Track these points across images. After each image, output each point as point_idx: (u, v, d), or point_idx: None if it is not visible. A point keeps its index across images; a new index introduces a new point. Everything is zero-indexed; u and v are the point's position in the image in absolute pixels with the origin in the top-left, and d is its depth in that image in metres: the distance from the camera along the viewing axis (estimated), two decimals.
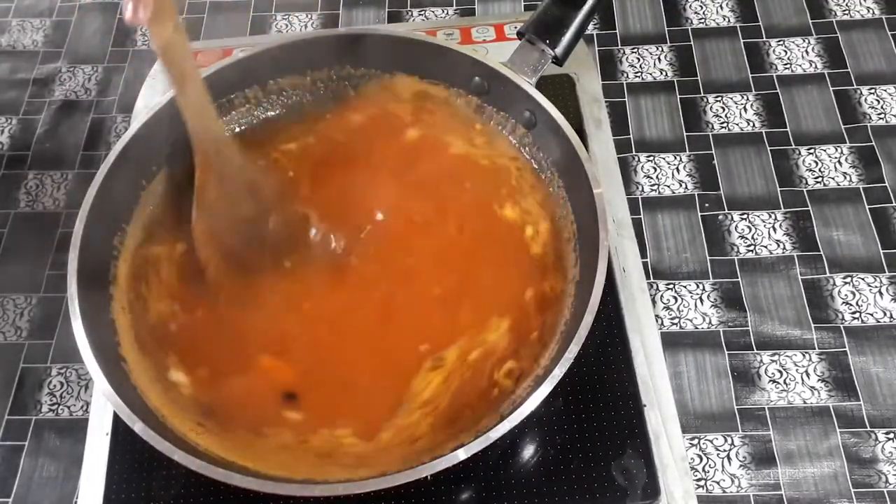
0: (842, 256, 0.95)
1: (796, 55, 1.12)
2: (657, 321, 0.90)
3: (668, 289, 0.94)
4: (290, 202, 0.63)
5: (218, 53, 0.80)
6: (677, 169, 1.03)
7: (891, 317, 0.91)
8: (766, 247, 0.97)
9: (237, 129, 0.69)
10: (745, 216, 0.99)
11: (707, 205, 1.00)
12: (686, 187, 1.02)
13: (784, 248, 0.96)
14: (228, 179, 0.60)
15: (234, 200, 0.60)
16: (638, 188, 1.02)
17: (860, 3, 1.17)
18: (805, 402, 0.87)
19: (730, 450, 0.84)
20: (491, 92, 0.67)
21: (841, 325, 0.91)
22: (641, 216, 0.99)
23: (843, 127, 1.05)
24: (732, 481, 0.83)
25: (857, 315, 0.91)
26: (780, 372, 0.88)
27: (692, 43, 1.15)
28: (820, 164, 1.02)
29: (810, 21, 1.16)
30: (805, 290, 0.93)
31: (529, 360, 0.57)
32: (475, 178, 0.66)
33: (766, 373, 0.88)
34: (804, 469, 0.83)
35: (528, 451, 0.60)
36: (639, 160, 1.04)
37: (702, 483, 0.82)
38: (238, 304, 0.60)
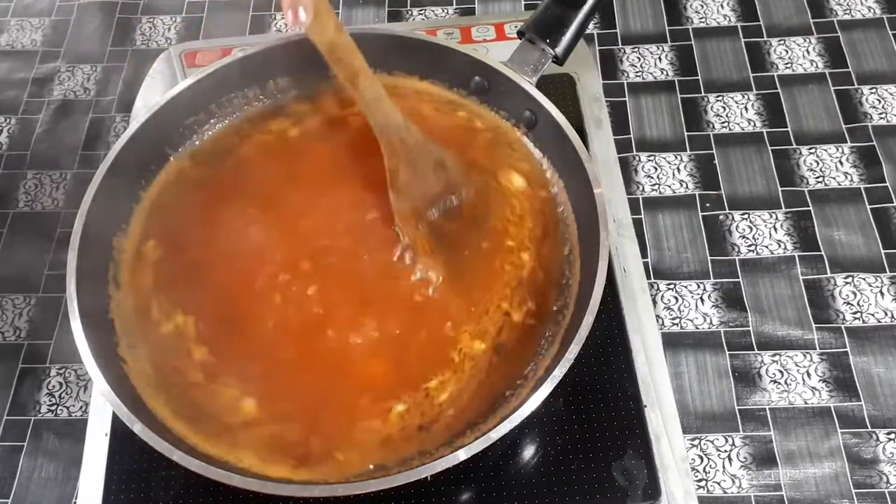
0: (843, 256, 0.95)
1: (797, 55, 1.12)
2: (658, 321, 0.89)
3: (669, 289, 0.94)
4: (477, 173, 0.64)
5: (217, 53, 0.80)
6: (678, 169, 1.03)
7: (892, 317, 0.91)
8: (766, 247, 0.97)
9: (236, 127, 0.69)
10: (745, 216, 0.99)
11: (708, 204, 1.00)
12: (687, 187, 1.02)
13: (785, 248, 0.96)
14: (415, 161, 0.61)
15: (426, 180, 0.61)
16: (638, 188, 1.02)
17: (861, 3, 1.16)
18: (806, 403, 0.86)
19: (731, 450, 0.84)
20: (491, 91, 0.67)
21: (842, 326, 0.91)
22: (642, 216, 0.99)
23: (843, 126, 1.05)
24: (733, 482, 0.82)
25: (858, 315, 0.91)
26: (781, 372, 0.88)
27: (693, 42, 1.15)
28: (821, 164, 1.02)
29: (811, 20, 1.16)
30: (806, 291, 0.93)
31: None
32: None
33: (767, 373, 0.88)
34: (805, 469, 0.83)
35: (529, 452, 0.60)
36: (639, 160, 1.04)
37: (702, 483, 0.82)
38: None
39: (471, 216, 0.63)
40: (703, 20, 1.17)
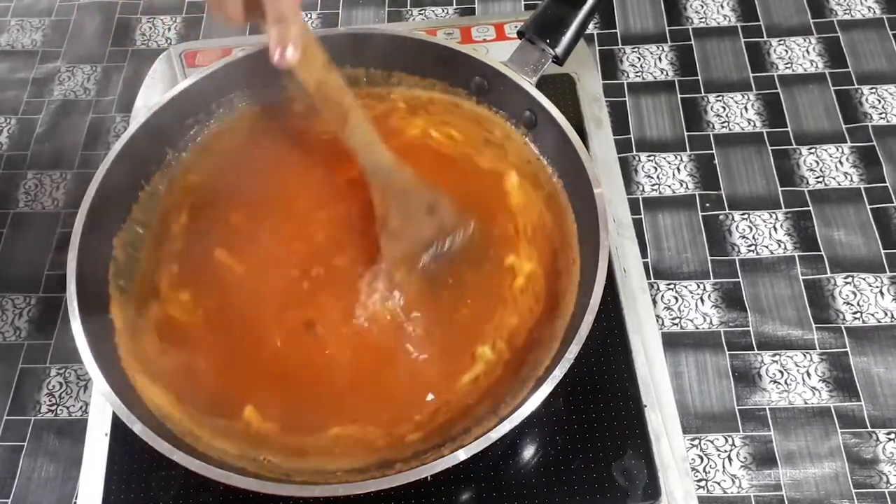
0: (843, 256, 0.95)
1: (797, 55, 1.12)
2: (658, 321, 0.89)
3: (669, 289, 0.94)
4: (469, 218, 0.61)
5: (217, 53, 0.80)
6: (678, 168, 1.03)
7: (892, 317, 0.91)
8: (766, 247, 0.97)
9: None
10: (745, 216, 0.99)
11: (708, 204, 1.00)
12: (687, 187, 1.02)
13: (785, 248, 0.96)
14: (406, 204, 0.59)
15: (417, 223, 0.59)
16: (638, 188, 1.02)
17: (861, 3, 1.17)
18: (806, 403, 0.86)
19: (731, 450, 0.84)
20: (491, 91, 0.67)
21: (842, 326, 0.91)
22: (642, 216, 0.99)
23: (843, 126, 1.05)
24: (733, 482, 0.82)
25: (858, 315, 0.91)
26: (780, 372, 0.88)
27: (693, 42, 1.15)
28: (821, 164, 1.02)
29: (811, 20, 1.16)
30: (806, 291, 0.93)
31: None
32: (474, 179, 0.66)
33: (766, 373, 0.88)
34: (805, 469, 0.83)
35: (529, 452, 0.60)
36: (639, 160, 1.04)
37: (702, 483, 0.82)
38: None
39: (465, 257, 0.60)
40: (703, 20, 1.17)
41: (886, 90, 1.08)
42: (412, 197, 0.59)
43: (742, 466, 0.83)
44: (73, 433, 0.86)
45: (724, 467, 0.83)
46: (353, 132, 0.57)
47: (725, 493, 0.82)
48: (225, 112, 0.68)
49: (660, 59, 1.13)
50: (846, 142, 1.04)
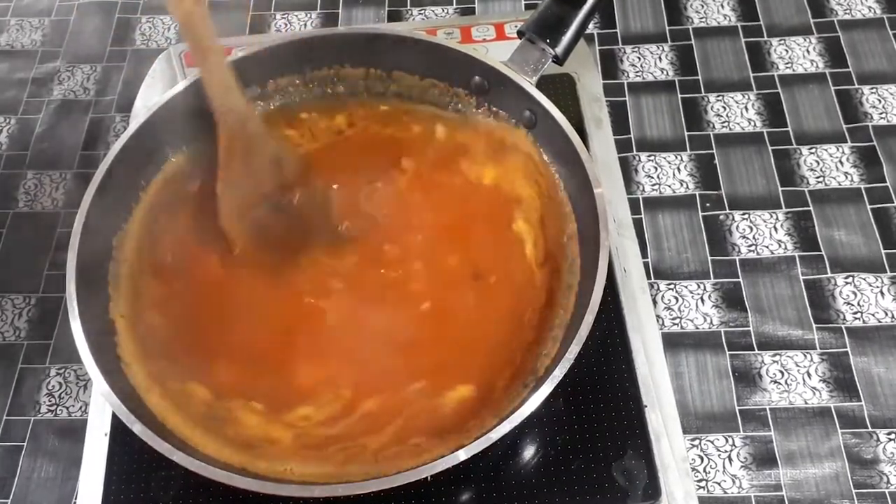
0: (843, 256, 0.95)
1: (797, 54, 1.12)
2: (658, 321, 0.89)
3: (669, 289, 0.94)
4: (316, 177, 0.62)
5: None
6: (678, 168, 1.03)
7: (892, 317, 0.91)
8: (767, 247, 0.96)
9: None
10: (746, 216, 0.99)
11: (708, 204, 1.00)
12: (687, 187, 1.01)
13: (785, 248, 0.96)
14: (252, 153, 0.60)
15: (259, 174, 0.60)
16: (639, 188, 1.02)
17: (861, 3, 1.16)
18: (806, 403, 0.86)
19: (731, 450, 0.84)
20: (491, 91, 0.67)
21: (842, 326, 0.91)
22: (642, 216, 0.99)
23: (844, 126, 1.05)
24: (733, 482, 0.82)
25: (858, 315, 0.91)
26: (781, 372, 0.88)
27: (693, 42, 1.15)
28: (821, 164, 1.02)
29: (811, 20, 1.16)
30: (806, 291, 0.93)
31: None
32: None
33: (767, 373, 0.88)
34: (805, 470, 0.83)
35: (529, 452, 0.60)
36: (639, 160, 1.04)
37: (703, 484, 0.82)
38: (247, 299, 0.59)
39: (298, 223, 0.61)
40: (704, 20, 1.17)
41: (887, 90, 1.08)
42: (258, 145, 0.60)
43: (742, 466, 0.83)
44: (73, 433, 0.86)
45: (724, 467, 0.83)
46: (211, 71, 0.58)
47: (726, 493, 0.82)
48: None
49: (660, 58, 1.13)
50: (846, 142, 1.04)
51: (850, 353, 0.89)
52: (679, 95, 1.09)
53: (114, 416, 0.57)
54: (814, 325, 0.91)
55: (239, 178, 0.59)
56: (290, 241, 0.60)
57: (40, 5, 1.23)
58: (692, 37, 1.15)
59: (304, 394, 0.56)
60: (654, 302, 0.92)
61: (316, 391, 0.56)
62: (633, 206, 0.98)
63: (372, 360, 0.57)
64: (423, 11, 1.20)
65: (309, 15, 1.21)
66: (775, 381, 0.88)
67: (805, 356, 0.89)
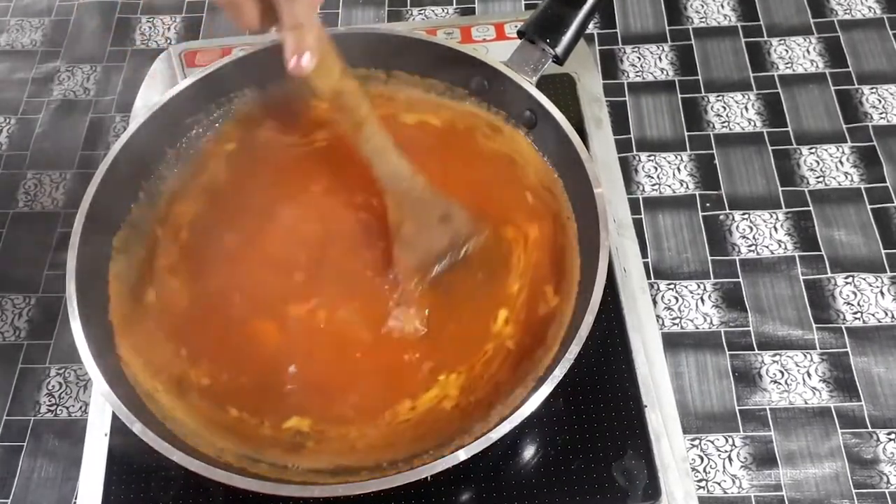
0: (843, 256, 0.95)
1: (797, 54, 1.12)
2: (658, 321, 0.89)
3: (669, 289, 0.94)
4: (483, 226, 0.61)
5: (217, 52, 0.79)
6: (678, 168, 1.03)
7: (892, 317, 0.91)
8: (767, 247, 0.96)
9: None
10: (746, 216, 0.99)
11: (708, 204, 1.00)
12: (687, 187, 1.01)
13: (785, 248, 0.96)
14: (421, 213, 0.58)
15: (431, 233, 0.59)
16: (639, 188, 1.02)
17: (861, 3, 1.16)
18: (806, 403, 0.86)
19: (731, 450, 0.84)
20: (491, 91, 0.66)
21: (842, 326, 0.91)
22: (642, 216, 0.99)
23: (844, 126, 1.05)
24: (733, 482, 0.82)
25: (858, 315, 0.91)
26: (781, 372, 0.88)
27: (693, 42, 1.15)
28: (821, 164, 1.02)
29: (811, 20, 1.16)
30: (806, 291, 0.93)
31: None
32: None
33: (767, 373, 0.88)
34: (805, 470, 0.83)
35: (529, 452, 0.60)
36: (639, 160, 1.04)
37: (703, 484, 0.82)
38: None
39: (476, 267, 0.60)
40: (704, 20, 1.17)
41: (887, 90, 1.08)
42: (427, 205, 0.59)
43: (742, 466, 0.83)
44: (73, 433, 0.86)
45: (724, 467, 0.83)
46: (368, 140, 0.56)
47: (726, 493, 0.82)
48: (225, 113, 0.68)
49: (660, 58, 1.13)
50: (846, 142, 1.04)
51: (850, 353, 0.89)
52: (679, 95, 1.10)
53: (114, 415, 0.57)
54: (814, 325, 0.91)
55: (412, 239, 0.58)
56: (466, 290, 0.60)
57: (40, 5, 1.23)
58: (692, 37, 1.15)
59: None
60: (654, 302, 0.92)
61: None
62: (633, 206, 0.98)
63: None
64: (423, 11, 1.20)
65: None
66: (775, 381, 0.88)
67: (805, 356, 0.89)
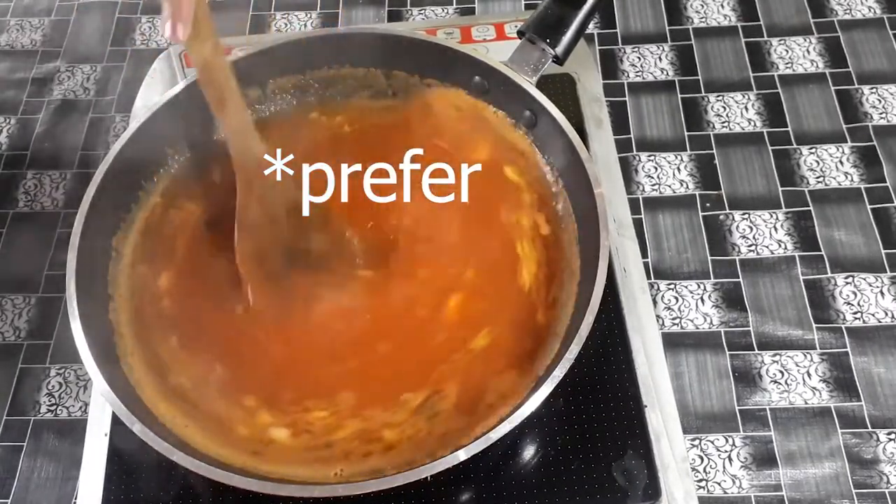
0: (843, 256, 0.95)
1: (797, 54, 1.12)
2: (658, 321, 0.89)
3: (669, 289, 0.94)
4: (334, 221, 0.61)
5: None
6: (678, 168, 1.03)
7: (892, 317, 0.91)
8: (767, 247, 0.96)
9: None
10: (746, 216, 0.99)
11: (708, 204, 1.00)
12: (687, 187, 1.01)
13: (785, 248, 0.96)
14: (270, 199, 0.59)
15: (277, 220, 0.59)
16: (639, 188, 1.02)
17: (861, 3, 1.16)
18: (806, 403, 0.86)
19: (731, 450, 0.84)
20: (491, 91, 0.67)
21: (842, 326, 0.91)
22: (642, 216, 0.99)
23: (844, 126, 1.05)
24: (733, 482, 0.82)
25: (858, 315, 0.91)
26: (781, 372, 0.88)
27: (693, 42, 1.15)
28: (821, 164, 1.02)
29: (811, 20, 1.16)
30: (806, 291, 0.93)
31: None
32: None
33: (767, 373, 0.88)
34: (805, 470, 0.83)
35: (529, 452, 0.60)
36: (640, 160, 1.04)
37: (703, 484, 0.82)
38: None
39: (316, 263, 0.61)
40: (704, 20, 1.17)
41: (887, 90, 1.08)
42: (277, 193, 0.59)
43: (742, 466, 0.83)
44: (73, 433, 0.86)
45: (724, 467, 0.83)
46: (229, 117, 0.57)
47: (726, 493, 0.82)
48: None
49: (660, 58, 1.13)
50: (846, 142, 1.04)
51: (850, 353, 0.89)
52: (679, 95, 1.09)
53: (114, 415, 0.57)
54: (814, 325, 0.91)
55: (257, 224, 0.59)
56: (306, 283, 0.60)
57: (40, 5, 1.23)
58: (692, 37, 1.15)
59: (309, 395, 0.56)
60: (654, 302, 0.92)
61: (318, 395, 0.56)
62: (633, 206, 0.98)
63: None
64: (423, 11, 1.20)
65: (309, 15, 1.21)
66: (775, 381, 0.88)
67: (805, 356, 0.89)
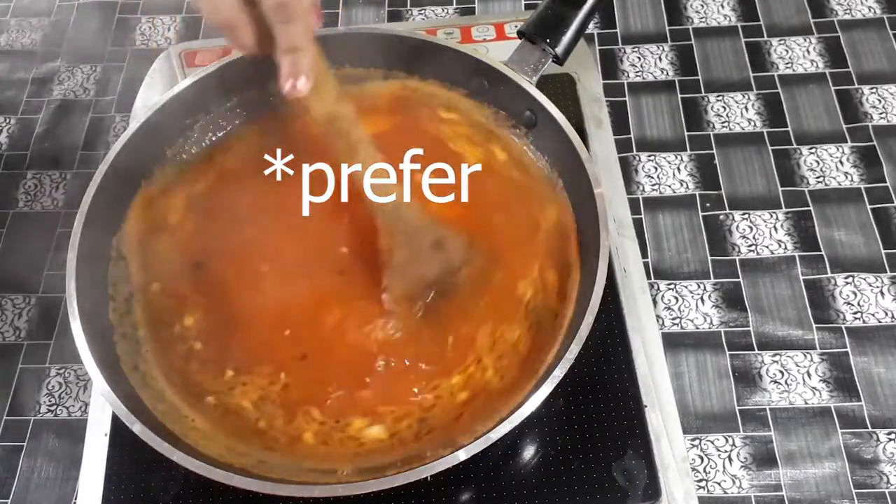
0: (843, 256, 0.95)
1: (797, 54, 1.12)
2: (658, 321, 0.89)
3: (669, 289, 0.94)
4: (476, 253, 0.60)
5: (217, 53, 0.79)
6: (678, 168, 1.03)
7: (892, 317, 0.91)
8: (767, 247, 0.96)
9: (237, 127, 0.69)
10: (746, 216, 0.99)
11: (708, 204, 1.00)
12: (687, 187, 1.01)
13: (785, 248, 0.96)
14: (413, 240, 0.57)
15: (424, 258, 0.57)
16: (639, 188, 1.02)
17: (861, 3, 1.16)
18: (806, 403, 0.86)
19: (731, 450, 0.84)
20: (491, 91, 0.67)
21: (842, 326, 0.91)
22: (642, 216, 0.99)
23: (844, 126, 1.05)
24: (733, 482, 0.82)
25: (858, 315, 0.91)
26: (781, 372, 0.88)
27: (693, 42, 1.15)
28: (821, 164, 1.02)
29: (811, 20, 1.16)
30: (806, 291, 0.93)
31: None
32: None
33: (767, 373, 0.88)
34: (805, 470, 0.83)
35: (529, 452, 0.60)
36: (640, 160, 1.04)
37: (703, 484, 0.82)
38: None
39: (467, 293, 0.59)
40: (704, 20, 1.17)
41: (887, 90, 1.08)
42: (419, 232, 0.58)
43: (742, 466, 0.83)
44: (73, 433, 0.86)
45: (724, 467, 0.83)
46: (361, 166, 0.55)
47: (726, 493, 0.82)
48: (224, 112, 0.68)
49: (660, 58, 1.13)
50: (846, 142, 1.04)
51: (850, 353, 0.89)
52: (679, 95, 1.10)
53: (114, 415, 0.57)
54: (814, 325, 0.91)
55: (404, 266, 0.57)
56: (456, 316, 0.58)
57: (40, 5, 1.23)
58: (692, 37, 1.15)
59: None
60: (654, 302, 0.92)
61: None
62: (633, 206, 0.98)
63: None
64: (423, 11, 1.20)
65: None
66: (775, 381, 0.88)
67: (805, 356, 0.89)
